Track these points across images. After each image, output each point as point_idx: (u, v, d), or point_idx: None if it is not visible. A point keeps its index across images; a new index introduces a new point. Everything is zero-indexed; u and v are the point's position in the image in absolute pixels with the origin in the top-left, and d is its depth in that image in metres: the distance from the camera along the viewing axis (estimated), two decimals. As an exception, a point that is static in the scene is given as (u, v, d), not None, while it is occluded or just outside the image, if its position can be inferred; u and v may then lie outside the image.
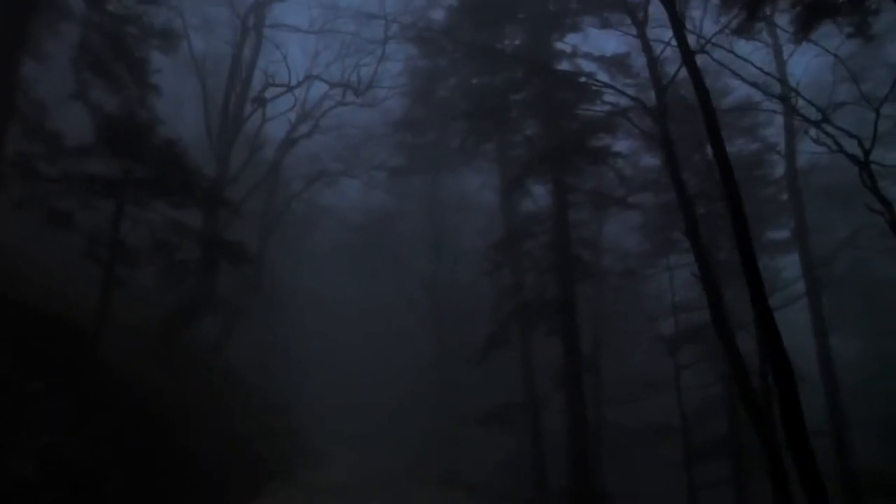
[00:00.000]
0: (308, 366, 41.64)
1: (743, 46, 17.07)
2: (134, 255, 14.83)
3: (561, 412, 26.24)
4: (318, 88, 27.95)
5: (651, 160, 31.07)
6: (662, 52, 15.21)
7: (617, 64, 23.65)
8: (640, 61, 24.68)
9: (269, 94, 24.79)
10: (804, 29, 12.30)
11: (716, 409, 26.02)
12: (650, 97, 29.37)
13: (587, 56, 23.14)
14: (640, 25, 15.40)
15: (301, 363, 40.79)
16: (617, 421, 30.62)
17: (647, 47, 15.09)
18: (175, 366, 20.88)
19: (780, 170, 29.38)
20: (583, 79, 19.09)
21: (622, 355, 34.97)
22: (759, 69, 17.39)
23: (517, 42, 25.71)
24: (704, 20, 14.58)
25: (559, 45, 23.85)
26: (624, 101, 23.72)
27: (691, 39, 13.51)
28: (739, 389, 12.01)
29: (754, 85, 16.34)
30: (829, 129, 13.73)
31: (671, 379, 27.70)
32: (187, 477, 15.99)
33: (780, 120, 26.45)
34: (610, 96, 23.18)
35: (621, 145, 26.90)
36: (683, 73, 15.75)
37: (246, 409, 26.97)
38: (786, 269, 29.37)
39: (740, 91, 26.19)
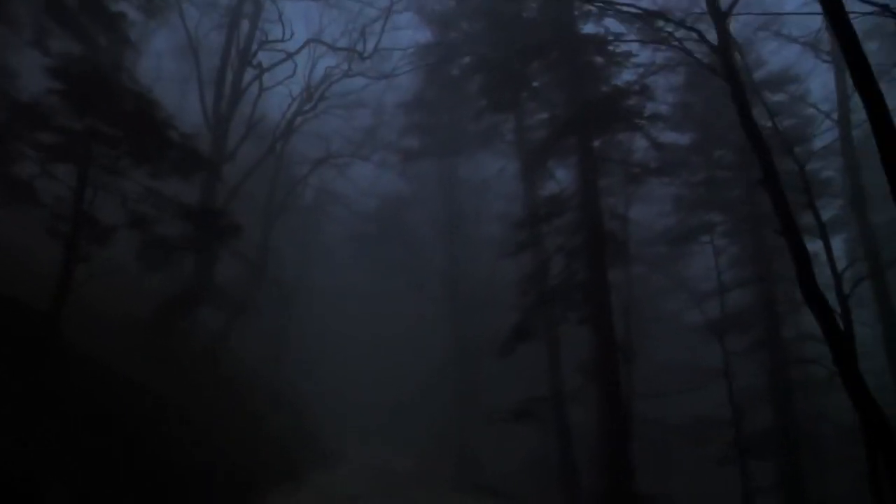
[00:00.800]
0: (319, 361, 39.49)
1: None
2: (104, 229, 12.56)
3: (587, 406, 23.96)
4: (323, 66, 25.68)
5: (678, 138, 28.70)
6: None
7: (647, 24, 21.17)
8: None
9: (268, 60, 22.58)
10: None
11: (758, 401, 23.59)
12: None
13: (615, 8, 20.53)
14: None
15: (312, 358, 38.60)
16: (646, 414, 28.15)
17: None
18: (169, 360, 18.72)
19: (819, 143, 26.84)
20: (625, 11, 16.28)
21: (652, 343, 32.44)
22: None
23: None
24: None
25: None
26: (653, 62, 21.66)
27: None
28: (839, 363, 9.60)
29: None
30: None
31: (705, 368, 25.30)
32: (170, 484, 13.78)
33: (824, 87, 23.91)
34: (643, 58, 20.88)
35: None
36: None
37: (251, 407, 24.82)
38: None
39: (785, 53, 23.73)
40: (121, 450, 12.87)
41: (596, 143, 19.33)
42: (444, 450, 34.71)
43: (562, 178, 24.17)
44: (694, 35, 13.28)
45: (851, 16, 7.72)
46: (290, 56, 22.95)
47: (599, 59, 20.60)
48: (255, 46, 21.98)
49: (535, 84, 21.08)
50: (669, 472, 28.33)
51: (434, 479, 26.35)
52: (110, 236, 12.88)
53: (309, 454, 26.46)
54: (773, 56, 27.27)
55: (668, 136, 27.19)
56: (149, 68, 30.77)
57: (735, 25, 24.86)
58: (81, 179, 11.96)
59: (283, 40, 21.80)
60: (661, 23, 14.10)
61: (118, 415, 13.68)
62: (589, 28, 21.17)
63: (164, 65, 32.51)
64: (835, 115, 22.35)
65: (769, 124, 17.57)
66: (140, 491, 12.56)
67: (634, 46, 20.63)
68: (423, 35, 29.80)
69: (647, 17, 14.62)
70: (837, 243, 31.16)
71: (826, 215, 29.08)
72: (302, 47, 23.52)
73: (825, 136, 26.36)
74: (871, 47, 23.16)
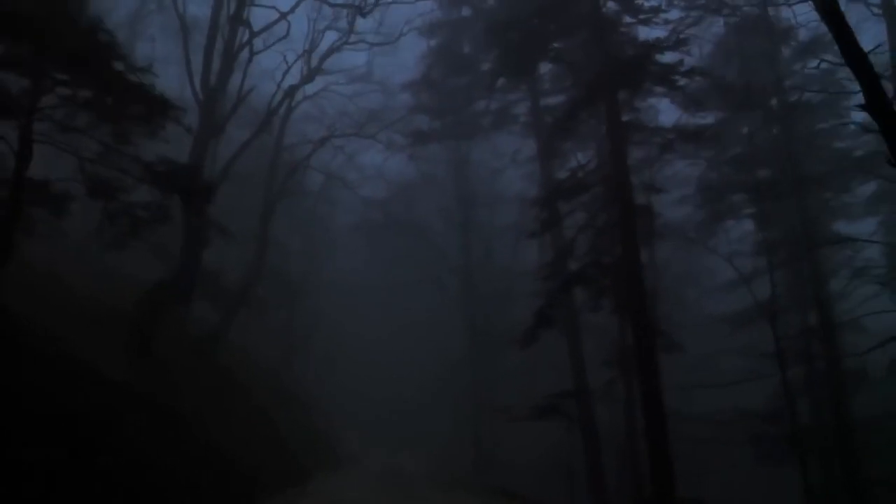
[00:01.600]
0: (328, 357, 37.25)
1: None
2: (56, 196, 10.35)
3: (613, 402, 21.74)
4: (322, 35, 23.31)
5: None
6: None
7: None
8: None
9: (261, 22, 20.16)
10: None
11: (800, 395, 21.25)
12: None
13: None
14: None
15: (320, 355, 36.35)
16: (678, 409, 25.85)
17: None
18: (156, 355, 16.48)
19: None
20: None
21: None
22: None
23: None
24: None
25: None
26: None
27: None
28: None
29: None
30: None
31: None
32: (148, 492, 11.58)
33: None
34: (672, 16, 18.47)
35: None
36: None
37: (255, 406, 22.62)
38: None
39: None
40: (87, 454, 10.73)
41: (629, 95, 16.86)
42: (460, 450, 32.58)
43: (582, 158, 21.99)
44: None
45: None
46: (283, 16, 20.65)
47: (627, 18, 18.24)
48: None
49: (555, 45, 18.60)
50: (702, 472, 25.93)
51: (449, 482, 24.08)
52: (66, 205, 10.63)
53: (317, 455, 24.31)
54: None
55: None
56: (144, 52, 28.90)
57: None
58: (24, 134, 9.75)
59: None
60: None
61: (85, 414, 11.51)
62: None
63: (159, 49, 30.45)
64: (888, 73, 19.80)
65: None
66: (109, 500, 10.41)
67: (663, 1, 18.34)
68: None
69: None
70: (871, 225, 28.82)
71: (868, 191, 26.86)
72: (297, 5, 21.20)
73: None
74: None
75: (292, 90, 22.12)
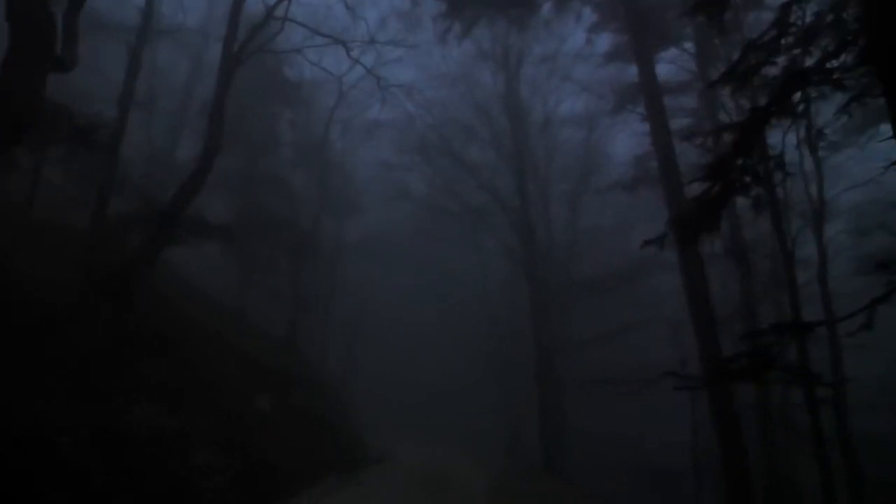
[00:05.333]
0: (350, 328, 30.00)
1: None
2: None
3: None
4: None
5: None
6: None
7: None
8: None
9: None
10: None
11: None
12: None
13: None
14: None
15: (340, 323, 28.75)
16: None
17: None
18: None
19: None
20: None
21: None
22: None
23: None
24: None
25: None
26: None
27: None
28: None
29: None
30: None
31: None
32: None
33: None
34: None
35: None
36: None
37: (209, 382, 14.24)
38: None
39: None
40: None
41: None
42: (513, 439, 26.64)
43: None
44: None
45: None
46: None
47: None
48: None
49: None
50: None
51: (506, 487, 16.30)
52: None
53: (334, 453, 16.44)
54: None
55: None
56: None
57: None
58: None
59: None
60: None
61: None
62: None
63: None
64: None
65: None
66: None
67: None
68: None
69: None
70: None
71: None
72: None
73: None
74: None
75: None
